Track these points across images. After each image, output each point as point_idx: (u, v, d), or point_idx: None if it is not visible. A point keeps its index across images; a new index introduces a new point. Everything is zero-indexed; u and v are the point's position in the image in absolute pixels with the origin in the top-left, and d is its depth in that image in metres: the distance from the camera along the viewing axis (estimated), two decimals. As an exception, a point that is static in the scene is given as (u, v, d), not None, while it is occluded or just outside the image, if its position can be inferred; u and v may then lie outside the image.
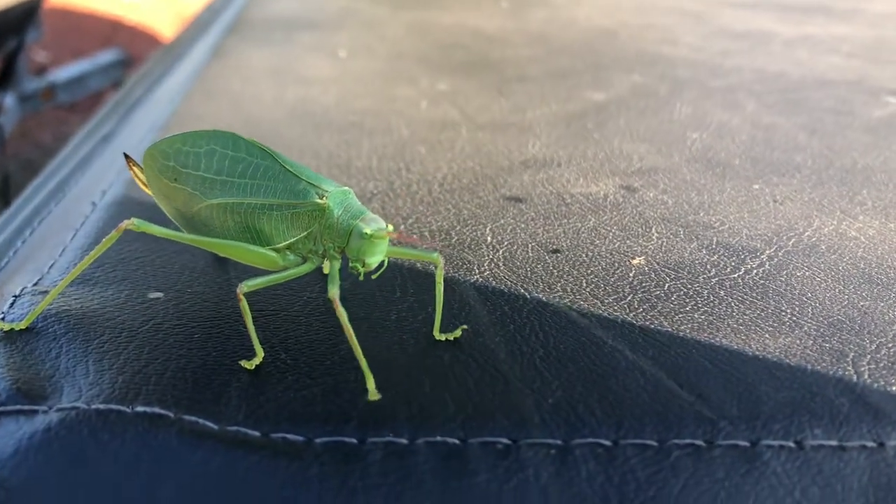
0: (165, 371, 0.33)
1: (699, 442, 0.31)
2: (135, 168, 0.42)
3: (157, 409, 0.30)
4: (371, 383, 0.33)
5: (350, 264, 0.36)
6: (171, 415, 0.30)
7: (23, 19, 2.03)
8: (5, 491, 0.28)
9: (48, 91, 2.31)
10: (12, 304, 0.38)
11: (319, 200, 0.37)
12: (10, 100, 2.07)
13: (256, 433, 0.30)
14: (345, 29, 1.11)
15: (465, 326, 0.38)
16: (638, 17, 1.23)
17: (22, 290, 0.39)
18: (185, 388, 0.32)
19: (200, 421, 0.30)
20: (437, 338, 0.37)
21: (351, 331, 0.33)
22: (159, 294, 0.39)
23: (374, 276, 0.38)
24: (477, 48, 1.00)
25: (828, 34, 1.09)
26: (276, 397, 0.32)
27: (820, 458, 0.31)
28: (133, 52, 2.83)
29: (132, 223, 0.36)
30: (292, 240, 0.37)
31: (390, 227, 0.36)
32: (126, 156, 0.43)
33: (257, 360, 0.34)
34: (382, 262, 0.36)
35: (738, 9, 1.28)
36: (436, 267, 0.38)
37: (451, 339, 0.37)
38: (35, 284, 0.40)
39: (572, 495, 0.29)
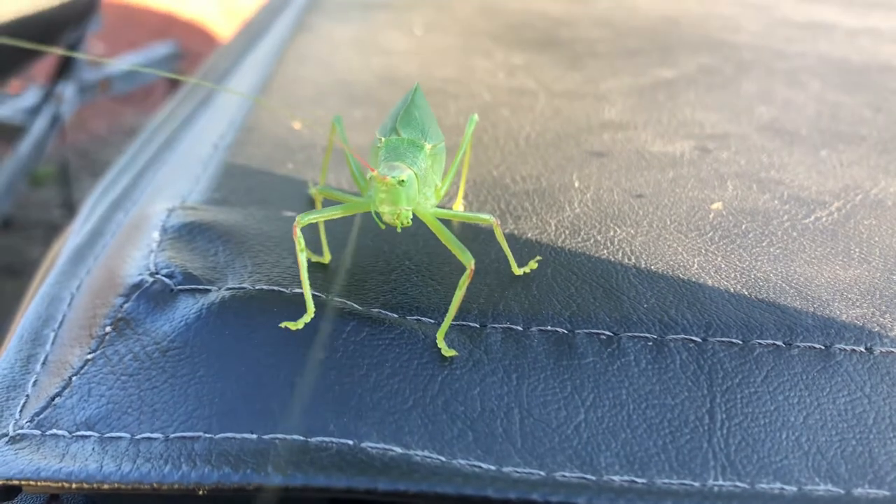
0: (315, 267, 0.38)
1: (779, 342, 0.35)
2: None
3: (312, 291, 0.35)
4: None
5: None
6: (323, 296, 0.35)
7: (84, 11, 2.10)
8: (190, 348, 0.33)
9: (105, 82, 2.37)
10: (168, 215, 0.43)
11: (382, 139, 0.39)
12: (69, 90, 2.13)
13: (395, 315, 0.35)
14: (417, 10, 1.17)
15: (539, 257, 0.40)
16: (699, 7, 1.26)
17: (174, 206, 0.45)
18: (331, 279, 0.37)
19: (347, 302, 0.35)
20: (516, 272, 0.39)
21: (302, 260, 0.35)
22: (292, 213, 0.45)
23: (398, 230, 0.39)
24: (546, 28, 1.04)
25: (890, 26, 1.11)
26: (405, 291, 0.37)
27: (888, 362, 0.35)
28: (187, 45, 2.90)
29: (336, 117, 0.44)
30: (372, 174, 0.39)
31: (400, 178, 0.35)
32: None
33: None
34: (406, 216, 0.36)
35: (799, 1, 1.30)
36: (493, 227, 0.39)
37: (528, 271, 0.40)
38: (182, 202, 0.46)
39: (669, 377, 0.33)
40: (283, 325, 0.34)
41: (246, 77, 0.85)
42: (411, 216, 0.37)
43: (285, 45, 0.91)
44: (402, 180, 0.36)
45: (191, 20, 3.50)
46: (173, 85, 2.70)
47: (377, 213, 0.37)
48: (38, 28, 1.91)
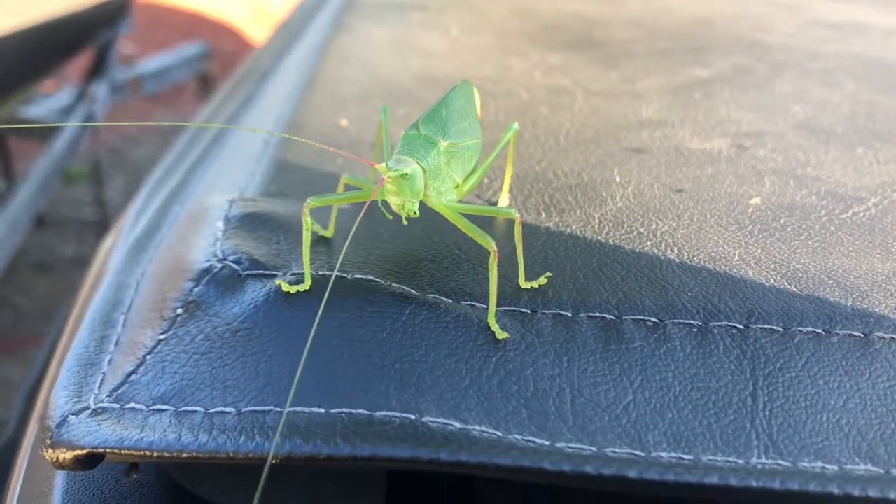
0: (370, 254, 0.40)
1: (819, 330, 0.36)
2: None
3: (371, 277, 0.37)
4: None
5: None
6: (383, 282, 0.37)
7: (117, 12, 2.14)
8: (260, 328, 0.36)
9: (135, 82, 2.42)
10: (229, 206, 0.46)
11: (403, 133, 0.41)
12: (102, 90, 2.17)
13: (449, 300, 0.37)
14: (451, 11, 1.18)
15: (549, 274, 0.39)
16: (731, 7, 1.26)
17: (233, 199, 0.47)
18: (387, 266, 0.39)
19: (405, 287, 0.37)
20: (523, 286, 0.39)
21: (306, 238, 0.38)
22: (347, 205, 0.47)
23: (403, 223, 0.40)
24: (579, 29, 1.05)
25: (926, 26, 1.11)
26: (457, 279, 0.39)
27: (926, 351, 0.36)
28: (216, 45, 2.95)
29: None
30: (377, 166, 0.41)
31: (402, 171, 0.36)
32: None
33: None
34: (411, 208, 0.37)
35: (831, 1, 1.30)
36: (515, 224, 0.39)
37: (536, 286, 0.38)
38: (240, 195, 0.48)
39: (713, 361, 0.35)
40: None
41: (289, 76, 0.88)
42: (417, 208, 0.38)
43: (325, 45, 0.93)
44: (406, 173, 0.37)
45: (219, 20, 3.55)
46: (203, 86, 2.75)
47: (385, 203, 0.38)
48: (72, 29, 1.95)
